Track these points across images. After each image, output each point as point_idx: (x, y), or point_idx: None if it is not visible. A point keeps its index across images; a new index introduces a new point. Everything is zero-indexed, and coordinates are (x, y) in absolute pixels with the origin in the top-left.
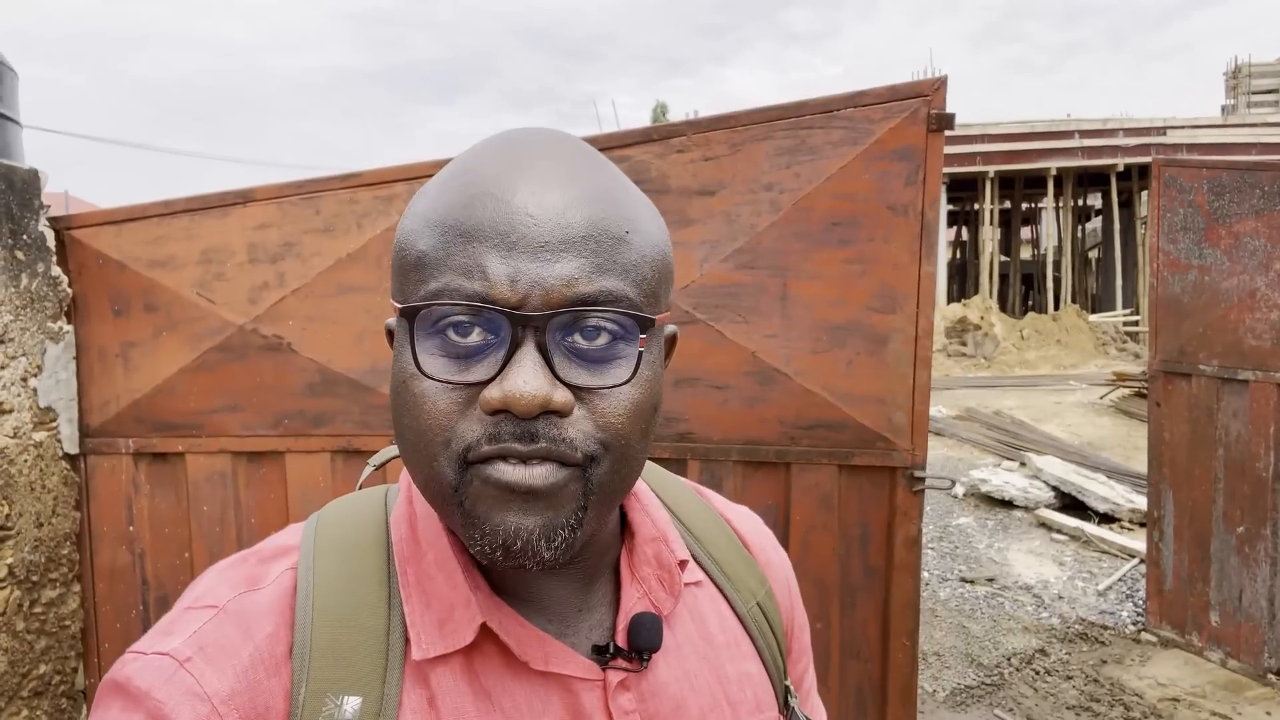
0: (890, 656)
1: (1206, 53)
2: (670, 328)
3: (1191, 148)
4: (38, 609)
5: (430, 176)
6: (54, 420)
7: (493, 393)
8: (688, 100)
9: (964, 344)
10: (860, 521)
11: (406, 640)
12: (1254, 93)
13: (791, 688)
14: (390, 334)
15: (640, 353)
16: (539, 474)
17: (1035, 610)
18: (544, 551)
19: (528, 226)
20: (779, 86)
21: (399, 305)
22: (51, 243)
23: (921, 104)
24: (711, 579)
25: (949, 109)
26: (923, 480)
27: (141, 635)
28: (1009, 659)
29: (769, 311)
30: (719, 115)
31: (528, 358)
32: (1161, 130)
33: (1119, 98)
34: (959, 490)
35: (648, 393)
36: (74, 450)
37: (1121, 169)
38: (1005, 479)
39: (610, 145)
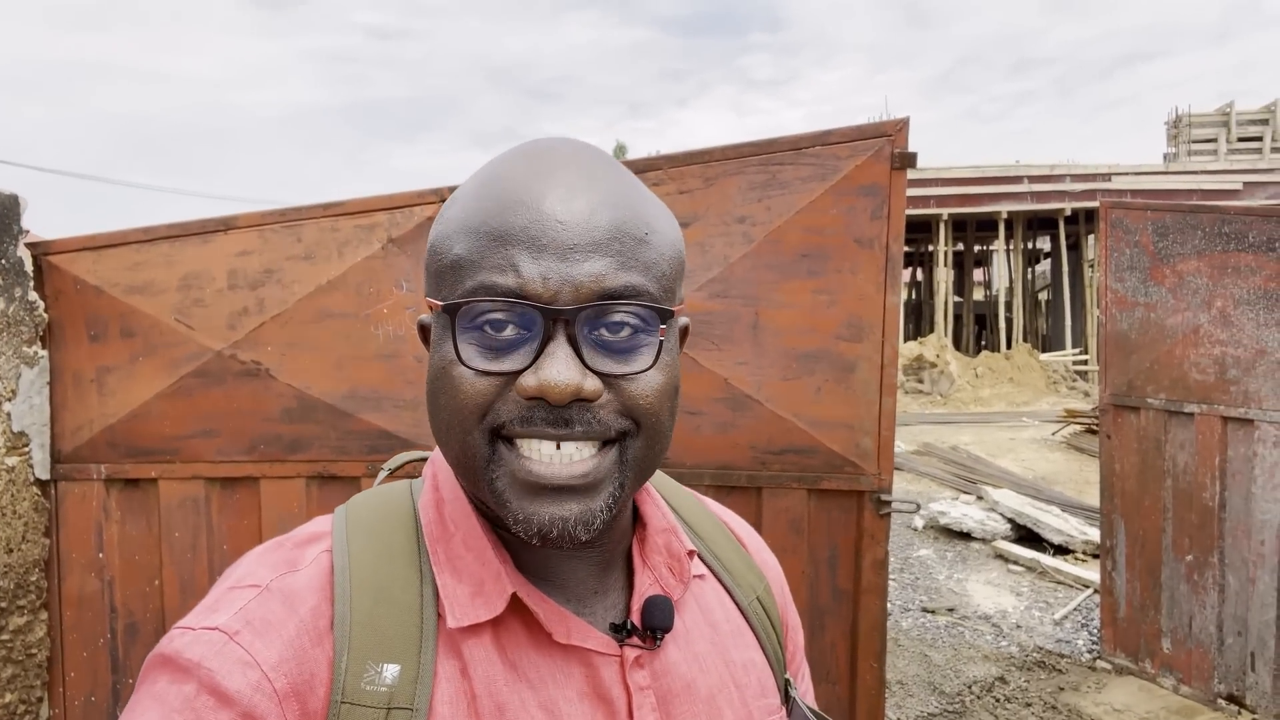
0: (859, 679)
1: (1150, 104)
2: (683, 319)
3: (1135, 193)
4: (5, 636)
5: (410, 207)
6: (26, 445)
7: (529, 380)
8: (649, 141)
9: (921, 381)
10: (829, 545)
11: (439, 615)
12: (1194, 141)
13: (792, 680)
14: (422, 330)
15: (661, 341)
16: (577, 472)
17: (994, 639)
18: (581, 536)
19: (557, 230)
20: (738, 130)
21: (440, 303)
22: (29, 267)
23: (886, 143)
24: (714, 573)
25: (911, 149)
26: (889, 504)
27: (109, 664)
28: (970, 687)
29: (741, 339)
30: (694, 151)
31: (560, 349)
32: (1107, 176)
33: (1067, 146)
34: (919, 523)
35: (669, 376)
36: (45, 476)
37: (1069, 213)
38: (963, 511)
39: None
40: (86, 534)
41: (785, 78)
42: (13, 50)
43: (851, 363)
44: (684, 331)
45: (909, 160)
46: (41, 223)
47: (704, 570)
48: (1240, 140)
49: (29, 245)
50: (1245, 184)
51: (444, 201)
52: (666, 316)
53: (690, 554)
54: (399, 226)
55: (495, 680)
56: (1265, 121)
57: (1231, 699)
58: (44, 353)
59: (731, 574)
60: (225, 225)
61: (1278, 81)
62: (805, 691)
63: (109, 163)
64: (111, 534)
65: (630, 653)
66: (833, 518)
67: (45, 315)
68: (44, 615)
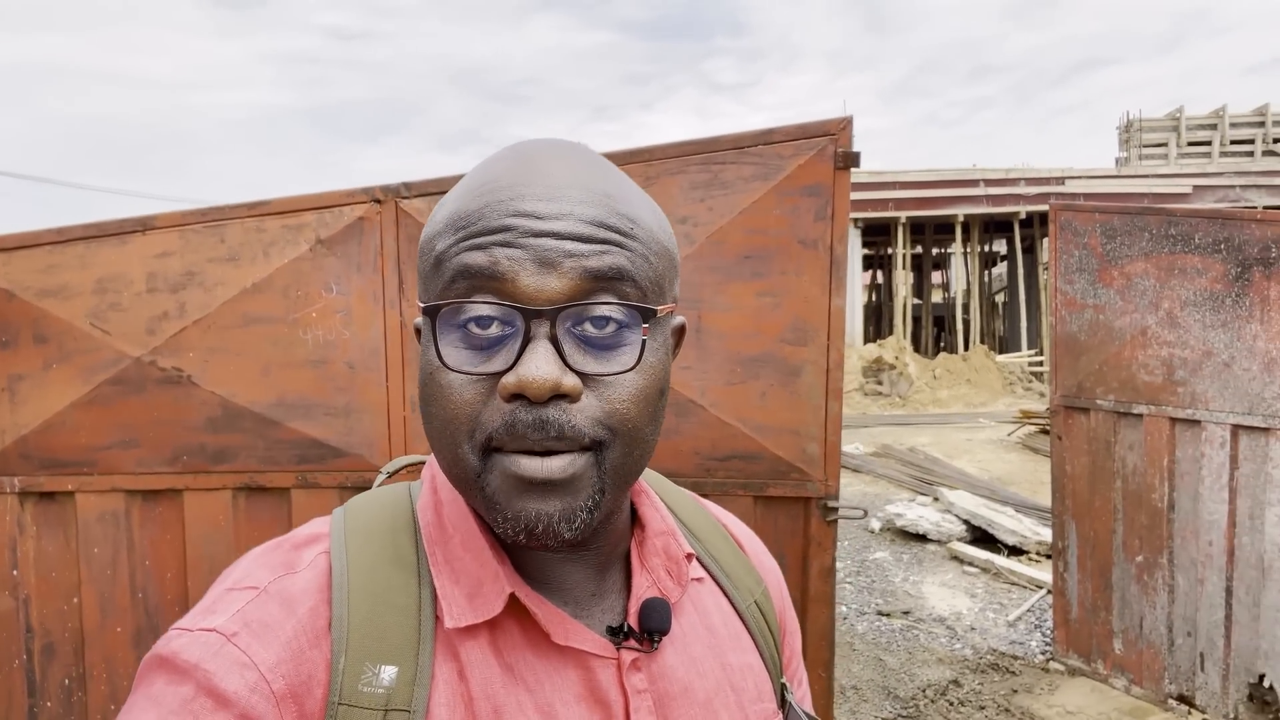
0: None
1: (1102, 110)
2: (678, 318)
3: (1088, 196)
4: None
5: (340, 207)
6: None
7: (509, 379)
8: (614, 144)
9: (880, 383)
10: (775, 553)
11: (436, 618)
12: (1145, 145)
13: (788, 684)
14: (419, 332)
15: (644, 341)
16: (556, 467)
17: (949, 642)
18: (565, 533)
19: (537, 224)
20: (703, 132)
21: (422, 305)
22: None
23: (829, 142)
24: (712, 576)
25: (861, 150)
26: (836, 510)
27: (25, 686)
28: (924, 690)
29: (684, 343)
30: (634, 149)
31: (540, 347)
32: (1060, 180)
33: (1023, 150)
34: (875, 525)
35: (652, 379)
36: None
37: (1024, 216)
38: (919, 513)
39: None
40: (0, 550)
41: (749, 82)
42: None
43: (797, 367)
44: (680, 331)
45: (852, 160)
46: None
47: (702, 573)
48: (1190, 144)
49: None
50: (1195, 187)
51: (376, 201)
52: (649, 315)
53: (688, 557)
54: (328, 227)
55: (492, 682)
56: (1214, 126)
57: (1182, 699)
58: None
59: (730, 577)
60: (143, 225)
61: (1224, 87)
62: (802, 697)
63: (63, 166)
64: (26, 550)
65: (627, 655)
66: (779, 525)
67: None
68: None
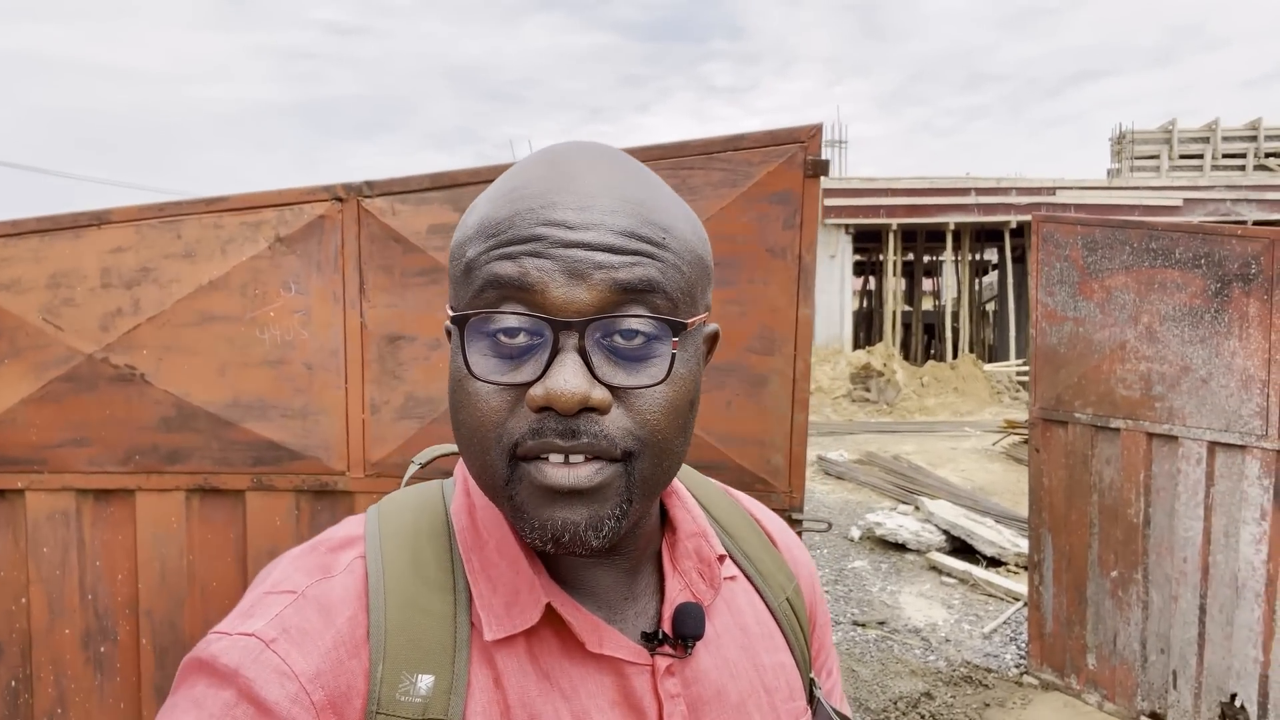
0: None
1: (1095, 121)
2: (712, 326)
3: (1079, 208)
4: None
5: (300, 204)
6: None
7: (537, 391)
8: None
9: (868, 390)
10: None
11: (471, 624)
12: (1136, 158)
13: (816, 680)
14: (449, 334)
15: (674, 354)
16: (584, 475)
17: (923, 653)
18: (592, 541)
19: (567, 234)
20: (700, 135)
21: (451, 313)
22: None
23: (798, 149)
24: (745, 574)
25: (855, 157)
26: (801, 523)
27: None
28: (895, 703)
29: None
30: None
31: (569, 359)
32: (1051, 190)
33: (1016, 160)
34: (855, 533)
35: (682, 391)
36: None
37: (1014, 226)
38: (899, 522)
39: (494, 179)
40: None
41: (745, 86)
42: None
43: (763, 377)
44: (713, 339)
45: (822, 168)
46: None
47: (735, 571)
48: (1182, 157)
49: None
50: (1186, 200)
51: (337, 199)
52: (679, 329)
53: (720, 558)
54: (288, 225)
55: (528, 690)
56: (1206, 140)
57: (1154, 716)
58: None
59: (762, 574)
60: (99, 219)
61: (1219, 101)
62: (833, 687)
63: (53, 156)
64: None
65: (661, 661)
66: None
67: None
68: None
